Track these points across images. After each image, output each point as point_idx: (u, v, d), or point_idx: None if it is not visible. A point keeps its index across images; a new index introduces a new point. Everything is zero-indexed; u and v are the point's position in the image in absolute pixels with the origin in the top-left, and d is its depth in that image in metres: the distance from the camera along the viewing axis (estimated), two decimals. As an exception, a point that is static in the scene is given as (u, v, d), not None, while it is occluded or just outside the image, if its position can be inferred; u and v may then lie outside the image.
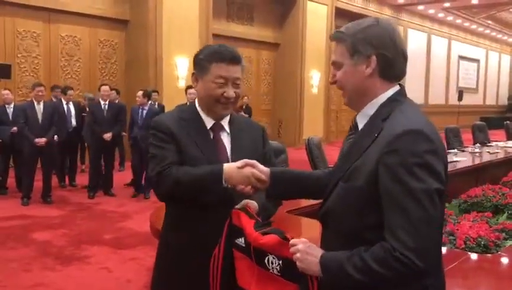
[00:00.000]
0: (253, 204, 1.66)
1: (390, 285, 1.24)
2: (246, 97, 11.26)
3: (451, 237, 2.88)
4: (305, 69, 14.03)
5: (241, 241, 1.54)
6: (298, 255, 1.30)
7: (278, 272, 1.41)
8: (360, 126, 1.39)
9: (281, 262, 1.40)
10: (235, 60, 1.74)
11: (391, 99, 1.35)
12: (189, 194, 1.66)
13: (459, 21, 20.99)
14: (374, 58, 1.33)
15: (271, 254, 1.41)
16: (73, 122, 7.53)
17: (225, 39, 12.31)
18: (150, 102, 7.33)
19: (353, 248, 1.27)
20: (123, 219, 5.81)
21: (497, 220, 3.68)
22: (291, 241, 1.34)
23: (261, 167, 1.63)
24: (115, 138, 7.09)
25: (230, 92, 1.73)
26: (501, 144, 8.03)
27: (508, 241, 3.13)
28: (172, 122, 1.77)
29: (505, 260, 2.61)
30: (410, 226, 1.19)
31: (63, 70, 9.65)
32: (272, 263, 1.42)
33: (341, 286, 1.26)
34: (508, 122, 11.76)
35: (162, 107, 9.02)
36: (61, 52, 9.60)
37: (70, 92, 7.65)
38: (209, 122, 1.81)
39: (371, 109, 1.36)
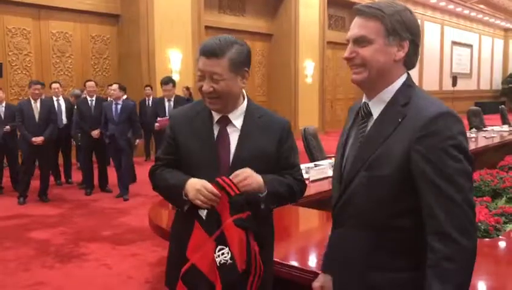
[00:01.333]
0: (239, 176, 1.61)
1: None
2: (184, 88, 9.53)
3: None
4: (299, 59, 13.98)
5: (203, 213, 1.57)
6: None
7: (218, 263, 1.46)
8: (376, 113, 1.36)
9: (230, 259, 1.45)
10: (211, 53, 1.63)
11: (405, 85, 1.35)
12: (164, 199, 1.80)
13: (451, 6, 20.94)
14: (407, 43, 1.33)
15: (231, 250, 1.45)
16: (64, 119, 7.42)
17: (218, 31, 12.23)
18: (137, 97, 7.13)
19: (380, 237, 1.29)
20: (121, 215, 5.78)
21: (496, 204, 3.69)
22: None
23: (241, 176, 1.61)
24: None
25: (205, 86, 1.66)
26: (497, 128, 8.05)
27: (507, 225, 3.14)
28: (180, 117, 1.80)
29: (502, 244, 2.60)
30: (454, 208, 1.21)
31: (55, 67, 9.57)
32: (223, 254, 1.46)
33: None
34: (502, 106, 11.78)
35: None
36: (53, 49, 9.51)
37: (54, 85, 7.42)
38: (216, 116, 1.76)
39: (387, 94, 1.35)
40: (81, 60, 9.92)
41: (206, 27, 11.51)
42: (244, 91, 1.80)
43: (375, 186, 1.30)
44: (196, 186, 1.60)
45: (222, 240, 1.50)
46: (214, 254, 1.50)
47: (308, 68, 14.43)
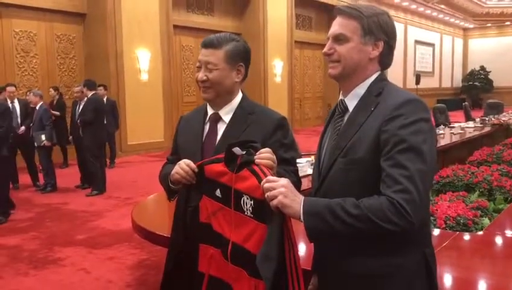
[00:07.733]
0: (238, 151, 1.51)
1: (389, 245, 1.30)
2: (31, 92, 7.46)
3: (431, 218, 2.94)
4: (268, 59, 14.03)
5: (218, 192, 1.55)
6: (283, 189, 1.28)
7: (250, 213, 1.44)
8: (351, 106, 1.43)
9: (252, 202, 1.42)
10: (207, 43, 1.73)
11: (379, 79, 1.44)
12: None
13: (414, 6, 21.45)
14: (382, 43, 1.41)
15: (245, 195, 1.44)
16: (19, 121, 6.98)
17: (186, 30, 12.15)
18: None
19: None
20: (94, 218, 5.65)
21: (470, 198, 3.79)
22: (270, 178, 1.34)
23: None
24: None
25: (200, 74, 1.73)
26: (463, 124, 8.29)
27: (483, 218, 3.24)
28: (184, 118, 1.91)
29: (498, 240, 2.61)
30: (410, 179, 1.23)
31: (19, 68, 9.26)
32: (246, 204, 1.44)
33: (323, 228, 1.26)
34: (466, 103, 12.18)
35: (113, 102, 8.73)
36: (16, 49, 9.20)
37: (10, 88, 7.05)
38: (210, 113, 1.81)
39: (361, 89, 1.43)
40: (46, 60, 9.64)
41: (175, 26, 11.40)
42: (240, 89, 1.80)
43: (351, 170, 1.34)
44: (179, 163, 1.64)
45: (238, 196, 1.47)
46: (243, 213, 1.45)
47: (277, 67, 14.49)
